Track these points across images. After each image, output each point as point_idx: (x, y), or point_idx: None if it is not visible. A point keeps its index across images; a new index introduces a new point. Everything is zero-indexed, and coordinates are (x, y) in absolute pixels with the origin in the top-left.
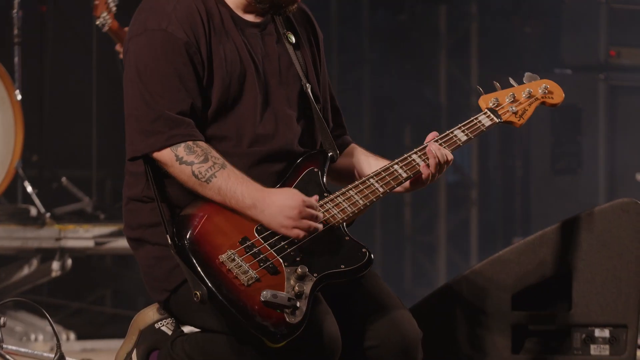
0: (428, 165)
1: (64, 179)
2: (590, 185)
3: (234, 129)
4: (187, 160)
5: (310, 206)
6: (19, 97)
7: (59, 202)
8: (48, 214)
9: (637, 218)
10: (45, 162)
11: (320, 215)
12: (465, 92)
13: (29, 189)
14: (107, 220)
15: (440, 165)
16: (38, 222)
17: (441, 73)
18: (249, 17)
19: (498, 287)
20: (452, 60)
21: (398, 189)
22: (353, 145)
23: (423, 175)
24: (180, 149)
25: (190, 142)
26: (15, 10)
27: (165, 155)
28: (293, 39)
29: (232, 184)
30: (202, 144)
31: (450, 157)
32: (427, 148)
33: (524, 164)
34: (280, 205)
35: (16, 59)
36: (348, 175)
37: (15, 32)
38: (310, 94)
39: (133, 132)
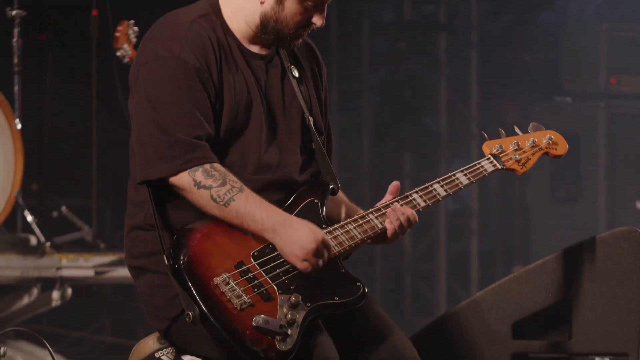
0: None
1: (63, 208)
2: (590, 213)
3: (238, 157)
4: (205, 184)
5: (327, 247)
6: (19, 126)
7: (59, 231)
8: (48, 243)
9: (638, 246)
10: (45, 191)
11: (327, 256)
12: (465, 119)
13: (29, 218)
14: (107, 250)
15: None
16: (38, 251)
17: (441, 100)
18: (255, 49)
19: (498, 316)
20: (452, 87)
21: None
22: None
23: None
24: (198, 173)
25: (207, 166)
26: (15, 39)
27: (183, 180)
28: (297, 73)
29: (250, 207)
30: (219, 166)
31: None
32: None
33: (524, 193)
34: (299, 236)
35: (16, 88)
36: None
37: (15, 60)
38: (313, 127)
39: (147, 157)
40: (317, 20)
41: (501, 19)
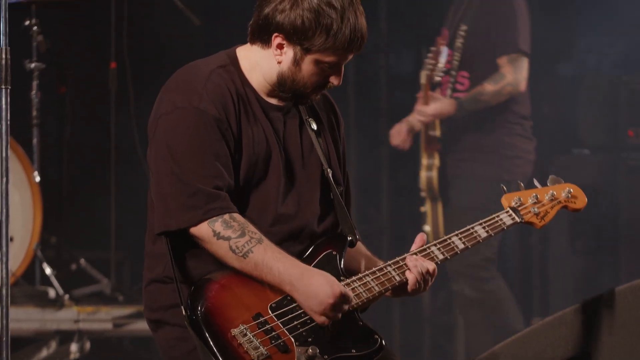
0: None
1: (82, 261)
2: (609, 266)
3: (257, 207)
4: (224, 235)
5: (345, 300)
6: (38, 178)
7: (78, 283)
8: (66, 296)
9: None
10: (63, 243)
11: (345, 309)
12: None
13: (48, 270)
14: (125, 302)
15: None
16: (56, 304)
17: None
18: (273, 101)
19: None
20: None
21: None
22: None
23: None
24: (218, 224)
25: (226, 216)
26: (33, 92)
27: (202, 231)
28: (315, 126)
29: (268, 259)
30: (239, 217)
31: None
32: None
33: (542, 244)
34: (316, 290)
35: (35, 141)
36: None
37: (34, 113)
38: (332, 179)
39: (168, 208)
40: (334, 80)
41: None
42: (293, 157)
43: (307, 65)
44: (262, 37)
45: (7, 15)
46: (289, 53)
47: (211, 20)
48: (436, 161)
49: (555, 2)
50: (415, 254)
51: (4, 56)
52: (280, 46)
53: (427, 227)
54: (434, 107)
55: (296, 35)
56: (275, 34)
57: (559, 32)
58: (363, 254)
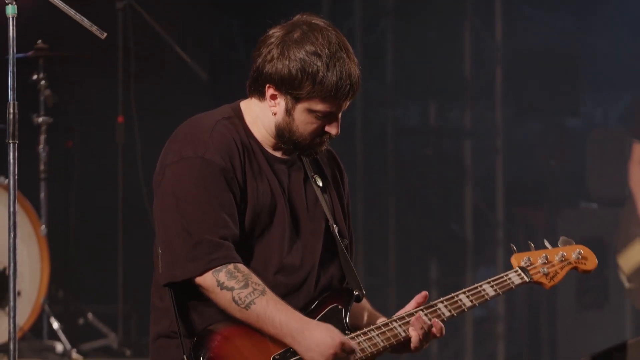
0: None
1: (89, 315)
2: (617, 320)
3: (261, 258)
4: (228, 285)
5: (347, 350)
6: (45, 232)
7: (85, 338)
8: (74, 350)
9: None
10: (71, 297)
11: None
12: (491, 225)
13: (55, 325)
14: (133, 356)
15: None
16: (64, 358)
17: (467, 206)
18: (277, 154)
19: None
20: (477, 193)
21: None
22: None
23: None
24: (222, 274)
25: (231, 267)
26: (41, 146)
27: (207, 280)
28: (320, 183)
29: (270, 312)
30: (243, 267)
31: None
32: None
33: (550, 298)
34: (318, 341)
35: (42, 195)
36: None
37: (42, 167)
38: (337, 234)
39: (174, 258)
40: (331, 129)
41: (526, 125)
42: (298, 209)
43: (299, 114)
44: (257, 88)
45: (14, 70)
46: (281, 103)
47: (218, 74)
48: None
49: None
50: (422, 310)
51: (11, 110)
52: (273, 97)
53: None
54: None
55: (284, 85)
56: (268, 85)
57: (566, 87)
58: (367, 309)
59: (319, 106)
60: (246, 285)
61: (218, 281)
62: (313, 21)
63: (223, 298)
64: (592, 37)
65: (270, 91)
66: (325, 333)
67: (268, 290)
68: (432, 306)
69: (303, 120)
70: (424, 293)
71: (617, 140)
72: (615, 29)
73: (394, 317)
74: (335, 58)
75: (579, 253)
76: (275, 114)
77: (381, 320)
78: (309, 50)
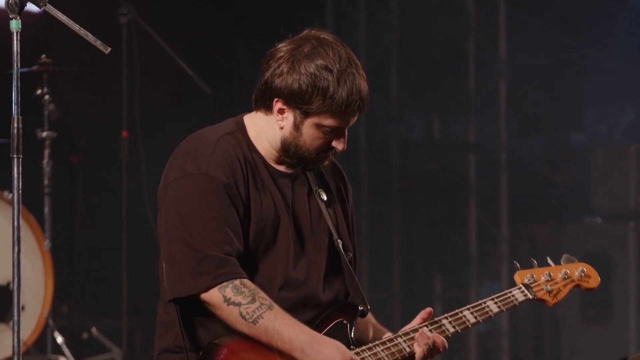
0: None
1: (93, 329)
2: (621, 335)
3: (266, 273)
4: (234, 301)
5: None
6: (49, 247)
7: (89, 352)
8: None
9: None
10: (75, 312)
11: None
12: (495, 240)
13: (59, 339)
14: None
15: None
16: None
17: (471, 221)
18: (281, 168)
19: None
20: (482, 208)
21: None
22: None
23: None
24: (228, 290)
25: (237, 282)
26: (45, 161)
27: (213, 296)
28: (325, 197)
29: (278, 326)
30: (248, 283)
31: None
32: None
33: (554, 313)
34: (327, 356)
35: (46, 209)
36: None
37: (46, 182)
38: (341, 249)
39: (179, 274)
40: (338, 145)
41: (530, 140)
42: (302, 224)
43: (308, 129)
44: (264, 102)
45: (19, 84)
46: (289, 118)
47: (222, 88)
48: None
49: (567, 72)
50: (427, 325)
51: (15, 125)
52: (281, 111)
53: None
54: None
55: (294, 100)
56: (276, 99)
57: (570, 102)
58: (372, 324)
59: (328, 121)
60: (253, 300)
61: (225, 297)
62: (322, 36)
63: (230, 314)
64: (595, 52)
65: (278, 105)
66: (336, 349)
67: (275, 305)
68: (436, 322)
69: (311, 135)
70: (429, 309)
71: (622, 154)
72: (619, 43)
73: (399, 332)
74: (346, 73)
75: (582, 271)
76: (282, 128)
77: (387, 335)
78: (320, 65)
